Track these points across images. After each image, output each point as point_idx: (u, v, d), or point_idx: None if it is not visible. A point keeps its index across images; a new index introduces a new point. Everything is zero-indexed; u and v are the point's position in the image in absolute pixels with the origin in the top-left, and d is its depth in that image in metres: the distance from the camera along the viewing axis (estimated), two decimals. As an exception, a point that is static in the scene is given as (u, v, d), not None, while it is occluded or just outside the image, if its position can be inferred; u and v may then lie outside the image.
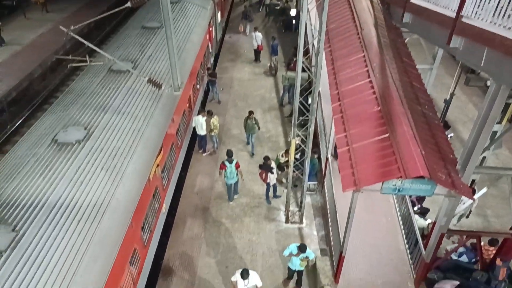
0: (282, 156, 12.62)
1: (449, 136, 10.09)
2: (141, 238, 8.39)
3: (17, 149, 8.61)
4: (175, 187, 11.83)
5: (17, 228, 6.35)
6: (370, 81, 9.69)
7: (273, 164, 11.79)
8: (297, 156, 11.73)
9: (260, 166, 11.93)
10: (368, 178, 7.46)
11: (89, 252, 6.32)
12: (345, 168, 7.92)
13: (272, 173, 11.72)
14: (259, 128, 14.13)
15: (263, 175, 11.82)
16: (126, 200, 7.62)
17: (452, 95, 13.62)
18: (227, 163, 11.59)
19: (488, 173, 8.79)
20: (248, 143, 14.50)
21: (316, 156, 12.63)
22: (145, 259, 8.64)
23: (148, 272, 8.97)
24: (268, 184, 12.03)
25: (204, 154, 14.37)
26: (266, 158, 11.71)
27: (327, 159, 12.13)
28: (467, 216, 11.24)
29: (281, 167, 12.50)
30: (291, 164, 10.56)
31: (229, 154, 11.64)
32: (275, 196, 12.48)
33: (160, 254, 10.30)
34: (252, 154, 14.18)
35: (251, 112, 13.88)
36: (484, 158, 8.97)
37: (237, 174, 11.82)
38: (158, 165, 9.58)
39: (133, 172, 8.19)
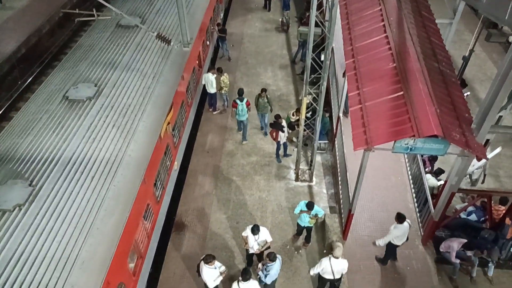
0: (293, 115, 12.50)
1: (465, 94, 9.79)
2: (154, 194, 8.59)
3: (29, 105, 8.67)
4: (186, 145, 11.93)
5: (33, 183, 6.53)
6: (386, 37, 9.32)
7: (283, 123, 11.72)
8: (308, 114, 11.61)
9: (271, 125, 11.88)
10: (380, 137, 7.37)
11: (104, 206, 6.50)
12: (357, 127, 7.82)
13: (283, 131, 11.68)
14: (271, 109, 12.81)
15: (274, 134, 11.80)
16: (138, 157, 7.72)
17: (471, 51, 13.09)
18: (238, 101, 12.30)
19: (503, 132, 8.60)
20: (261, 126, 13.41)
21: (327, 114, 12.48)
22: (158, 214, 8.89)
23: (162, 226, 9.27)
24: (278, 143, 12.04)
25: (214, 113, 14.32)
26: (277, 117, 11.62)
27: (338, 117, 11.98)
28: (483, 182, 11.17)
29: (291, 125, 12.41)
30: (302, 122, 10.47)
31: (240, 92, 12.43)
32: (285, 154, 12.52)
33: (172, 210, 10.60)
34: (265, 134, 13.25)
35: (263, 90, 12.61)
36: (500, 117, 8.73)
37: (247, 112, 12.51)
38: (168, 123, 9.59)
39: (144, 129, 8.22)
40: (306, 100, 9.90)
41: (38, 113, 8.23)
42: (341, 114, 11.91)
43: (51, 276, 5.36)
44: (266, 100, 12.59)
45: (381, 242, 8.95)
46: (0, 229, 5.79)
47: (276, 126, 11.61)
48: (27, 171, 6.77)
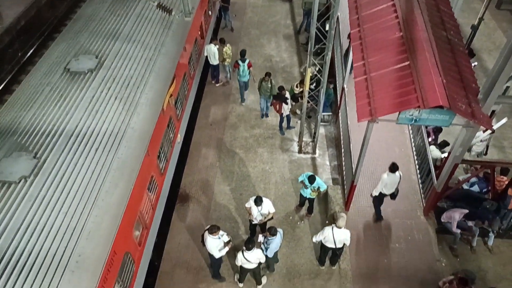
0: (297, 86, 12.35)
1: (473, 64, 9.58)
2: (158, 166, 8.65)
3: (30, 78, 8.63)
4: (189, 117, 11.89)
5: (38, 155, 6.58)
6: (393, 5, 9.06)
7: (287, 95, 11.60)
8: (312, 86, 11.46)
9: (274, 97, 11.76)
10: (384, 108, 7.29)
11: (108, 178, 6.56)
12: (361, 98, 7.73)
13: (286, 103, 11.57)
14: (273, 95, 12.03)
15: (277, 106, 11.70)
16: (141, 129, 7.71)
17: (480, 20, 12.69)
18: (240, 62, 12.58)
19: (510, 103, 8.48)
20: (261, 111, 12.80)
21: (331, 86, 12.32)
22: (162, 186, 8.99)
23: (166, 198, 9.39)
24: (281, 115, 11.96)
25: (217, 85, 14.17)
26: (281, 89, 11.49)
27: (343, 89, 11.84)
28: (485, 153, 11.12)
29: (295, 98, 12.30)
30: (306, 94, 10.35)
31: (242, 53, 12.66)
32: (288, 127, 12.48)
33: (177, 182, 10.70)
34: (266, 115, 12.80)
35: (268, 74, 11.93)
36: (507, 88, 8.59)
37: (249, 73, 12.73)
38: (171, 95, 9.52)
39: (147, 102, 8.17)
40: (310, 71, 9.75)
41: (40, 86, 8.18)
42: (345, 86, 11.75)
43: (59, 246, 5.48)
44: (269, 85, 12.01)
45: (375, 192, 9.32)
46: (7, 200, 5.90)
47: (279, 98, 11.51)
48: (31, 144, 6.81)
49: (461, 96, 7.28)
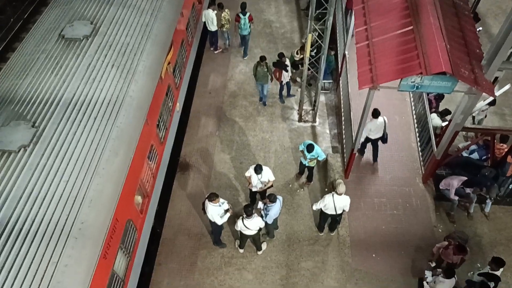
0: (297, 53, 12.11)
1: (477, 29, 9.35)
2: (157, 135, 8.62)
3: (25, 45, 8.42)
4: (188, 86, 11.73)
5: (36, 124, 6.53)
6: (398, -34, 8.69)
7: (287, 62, 11.39)
8: (313, 53, 11.23)
9: (274, 64, 11.55)
10: (386, 74, 7.18)
11: (108, 147, 6.53)
12: (362, 65, 7.59)
13: (286, 71, 11.39)
14: (271, 79, 11.60)
15: (277, 74, 11.52)
16: (139, 97, 7.61)
17: (487, -18, 12.28)
18: (241, 15, 12.66)
19: (514, 69, 8.34)
20: (260, 98, 12.22)
21: (332, 52, 12.08)
22: (162, 155, 9.00)
23: (166, 166, 9.42)
24: (281, 83, 11.80)
25: (215, 52, 13.90)
26: (280, 55, 11.26)
27: (344, 55, 11.61)
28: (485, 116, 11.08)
29: (295, 65, 12.09)
30: (306, 61, 10.16)
31: (243, 6, 12.70)
32: (288, 95, 12.34)
33: (177, 151, 10.71)
34: (264, 104, 12.16)
35: (263, 58, 11.20)
36: (512, 53, 8.43)
37: (249, 26, 12.90)
38: (169, 63, 9.34)
39: (144, 69, 8.02)
40: (310, 37, 9.52)
41: (35, 53, 8.01)
42: (346, 52, 11.52)
43: (61, 214, 5.53)
44: (265, 69, 11.27)
45: (362, 139, 9.71)
46: (7, 169, 5.91)
47: (279, 65, 11.30)
48: (28, 112, 6.74)
49: (465, 62, 7.15)
